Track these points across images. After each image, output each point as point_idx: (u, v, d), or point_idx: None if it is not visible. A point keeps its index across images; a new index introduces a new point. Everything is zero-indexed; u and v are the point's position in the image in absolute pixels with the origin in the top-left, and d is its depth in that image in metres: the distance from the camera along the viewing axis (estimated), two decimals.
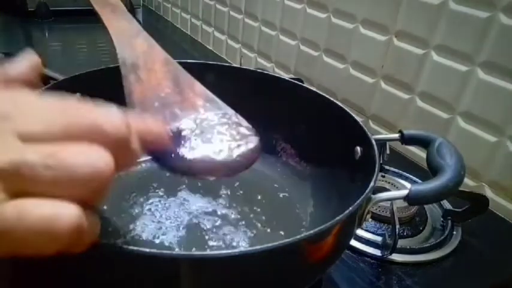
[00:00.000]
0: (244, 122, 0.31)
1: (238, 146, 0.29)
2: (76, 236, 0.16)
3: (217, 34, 1.05)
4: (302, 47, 0.79)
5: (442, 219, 0.49)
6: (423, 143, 0.41)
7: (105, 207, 0.42)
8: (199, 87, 0.33)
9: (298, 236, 0.25)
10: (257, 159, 0.29)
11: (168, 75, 0.33)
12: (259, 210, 0.44)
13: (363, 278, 0.41)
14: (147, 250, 0.22)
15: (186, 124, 0.29)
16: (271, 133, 0.51)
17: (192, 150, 0.27)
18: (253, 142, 0.29)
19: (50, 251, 0.16)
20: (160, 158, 0.26)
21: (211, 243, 0.39)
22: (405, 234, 0.46)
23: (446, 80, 0.56)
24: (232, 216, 0.43)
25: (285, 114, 0.50)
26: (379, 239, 0.44)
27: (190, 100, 0.32)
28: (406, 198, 0.33)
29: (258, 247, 0.24)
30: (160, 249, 0.37)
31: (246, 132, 0.30)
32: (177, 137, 0.28)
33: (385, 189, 0.49)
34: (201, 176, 0.28)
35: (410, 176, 0.55)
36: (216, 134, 0.29)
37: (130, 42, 0.34)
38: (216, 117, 0.31)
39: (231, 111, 0.32)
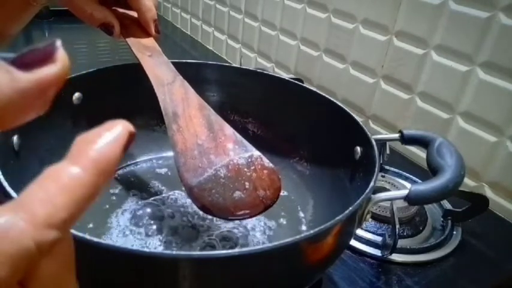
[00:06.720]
0: (268, 163, 0.34)
1: (264, 187, 0.33)
2: None
3: (217, 34, 1.05)
4: (302, 47, 0.79)
5: (442, 219, 0.49)
6: (423, 143, 0.41)
7: (107, 206, 0.42)
8: (228, 129, 0.36)
9: (298, 236, 0.25)
10: (280, 194, 0.33)
11: (202, 120, 0.36)
12: None
13: (363, 278, 0.41)
14: (147, 250, 0.22)
15: (220, 170, 0.33)
16: (271, 133, 0.51)
17: (227, 196, 0.32)
18: (276, 182, 0.33)
19: None
20: (205, 210, 0.31)
21: (209, 242, 0.39)
22: (405, 234, 0.46)
23: (446, 80, 0.56)
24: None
25: (284, 114, 0.50)
26: (379, 239, 0.44)
27: (222, 144, 0.34)
28: (406, 198, 0.33)
29: (258, 247, 0.24)
30: (160, 249, 0.37)
31: (270, 174, 0.33)
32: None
33: (385, 189, 0.49)
34: (236, 218, 0.32)
35: (411, 176, 0.55)
36: (246, 177, 0.33)
37: (170, 90, 0.37)
38: (245, 161, 0.34)
39: (256, 153, 0.35)
